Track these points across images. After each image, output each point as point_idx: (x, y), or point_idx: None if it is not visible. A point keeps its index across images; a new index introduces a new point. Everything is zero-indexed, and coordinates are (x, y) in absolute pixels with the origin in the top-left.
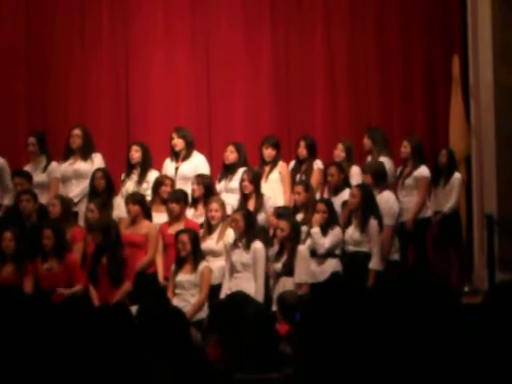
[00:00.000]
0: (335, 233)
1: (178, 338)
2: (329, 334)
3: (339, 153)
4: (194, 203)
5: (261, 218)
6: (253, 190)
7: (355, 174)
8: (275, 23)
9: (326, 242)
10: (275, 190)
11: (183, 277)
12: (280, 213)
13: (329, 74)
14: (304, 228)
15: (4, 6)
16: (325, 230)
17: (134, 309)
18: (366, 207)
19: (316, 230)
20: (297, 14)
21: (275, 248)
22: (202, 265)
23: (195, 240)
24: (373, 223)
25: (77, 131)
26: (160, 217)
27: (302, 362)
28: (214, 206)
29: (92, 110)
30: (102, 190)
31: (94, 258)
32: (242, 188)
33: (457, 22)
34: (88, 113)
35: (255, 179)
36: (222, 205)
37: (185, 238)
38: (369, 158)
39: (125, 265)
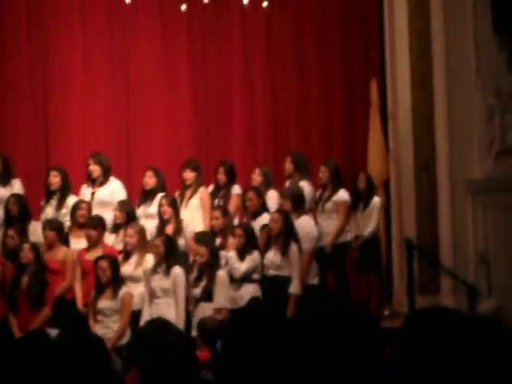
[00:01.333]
0: (253, 257)
1: (98, 366)
2: (250, 361)
3: (257, 177)
4: (116, 229)
5: (180, 243)
6: (172, 215)
7: (272, 199)
8: (192, 49)
9: (242, 267)
10: (195, 215)
11: (104, 303)
12: (199, 238)
13: (247, 98)
14: (222, 253)
15: None
16: (242, 255)
17: (53, 332)
18: (286, 232)
19: (232, 255)
20: (214, 46)
21: (194, 273)
22: (123, 290)
23: (115, 266)
24: (293, 248)
25: None
26: (79, 242)
27: None
28: (130, 231)
29: (10, 135)
30: (17, 216)
31: (13, 281)
32: (160, 213)
33: (375, 46)
34: (6, 138)
35: (174, 204)
36: (140, 230)
37: (104, 264)
38: (287, 183)
39: (46, 288)
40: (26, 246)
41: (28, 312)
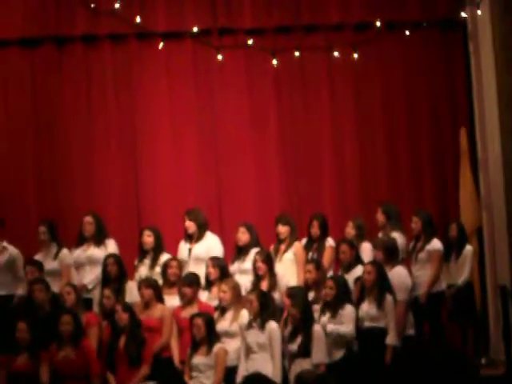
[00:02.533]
0: (349, 315)
1: None
2: None
3: (350, 230)
4: (209, 285)
5: (276, 297)
6: (266, 271)
7: (366, 250)
8: (281, 107)
9: (348, 329)
10: (289, 269)
11: (199, 359)
12: (292, 293)
13: (336, 152)
14: (316, 307)
15: (12, 99)
16: (334, 308)
17: None
18: (381, 283)
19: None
20: (301, 103)
21: (289, 328)
22: (217, 346)
23: (210, 323)
24: (388, 299)
25: (88, 218)
26: (171, 299)
27: None
28: (224, 287)
29: (101, 195)
30: (115, 276)
31: (111, 341)
32: (255, 269)
33: (462, 95)
34: (97, 199)
35: (268, 259)
36: (234, 286)
37: (199, 321)
38: (380, 234)
39: (144, 346)
40: (119, 308)
41: (126, 371)
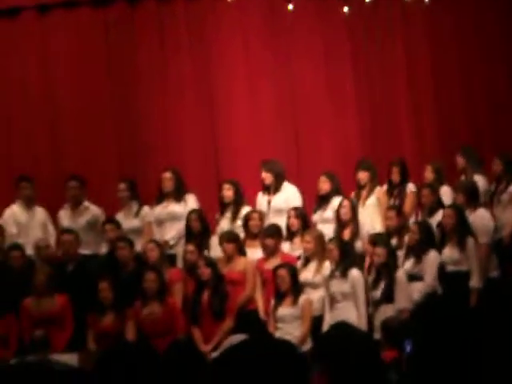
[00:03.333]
0: (431, 261)
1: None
2: (441, 358)
3: (428, 174)
4: (291, 236)
5: (358, 245)
6: (351, 218)
7: (446, 194)
8: (356, 54)
9: (428, 279)
10: (371, 215)
11: (284, 310)
12: (375, 239)
13: (413, 96)
14: (398, 253)
15: (86, 60)
16: (418, 253)
17: (238, 338)
18: (462, 227)
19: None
20: (376, 49)
21: (372, 275)
22: (302, 297)
23: (293, 274)
24: (470, 242)
25: (168, 174)
26: (254, 252)
27: None
28: (307, 237)
29: (179, 152)
30: (198, 231)
31: (194, 296)
32: (338, 217)
33: None
34: (175, 155)
35: (354, 207)
36: (318, 236)
37: (283, 272)
38: (462, 177)
39: (227, 300)
40: (202, 263)
41: (211, 325)
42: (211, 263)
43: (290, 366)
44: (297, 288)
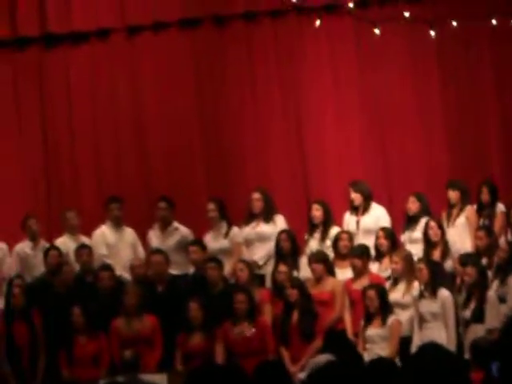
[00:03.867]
0: None
1: None
2: None
3: None
4: (380, 256)
5: (448, 265)
6: (440, 238)
7: None
8: (442, 71)
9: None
10: (461, 234)
11: (373, 331)
12: (465, 260)
13: (503, 115)
14: (488, 273)
15: (175, 81)
16: (504, 273)
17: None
18: None
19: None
20: (465, 69)
21: (463, 294)
22: (391, 318)
23: (382, 295)
24: None
25: (257, 195)
26: (343, 272)
27: None
28: (395, 258)
29: (268, 172)
30: (288, 252)
31: (283, 316)
32: (425, 237)
33: None
34: (264, 175)
35: (441, 227)
36: (406, 256)
37: (372, 293)
38: None
39: (317, 320)
40: (288, 284)
41: (300, 345)
42: (298, 284)
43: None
44: (386, 309)
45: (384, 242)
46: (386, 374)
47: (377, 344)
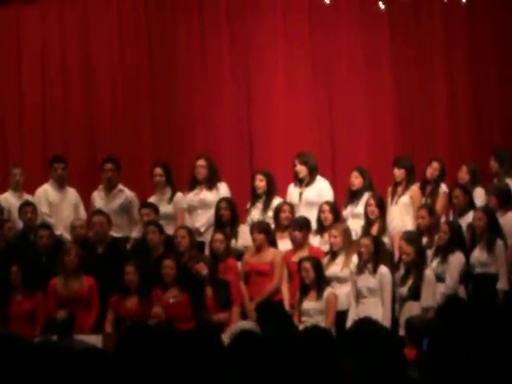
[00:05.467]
0: (455, 263)
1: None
2: (459, 358)
3: (463, 175)
4: (321, 230)
5: (385, 241)
6: (378, 215)
7: (479, 196)
8: (394, 46)
9: (449, 281)
10: (402, 212)
11: (308, 304)
12: (407, 237)
13: (450, 95)
14: (428, 252)
15: (127, 39)
16: (445, 253)
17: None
18: (491, 229)
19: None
20: (415, 42)
21: (401, 272)
22: (327, 291)
23: (318, 267)
24: (499, 244)
25: (201, 162)
26: (283, 243)
27: None
28: (333, 232)
29: (215, 140)
30: (227, 220)
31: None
32: (367, 213)
33: None
34: (210, 143)
35: (381, 203)
36: (345, 231)
37: (308, 265)
38: (495, 181)
39: (230, 289)
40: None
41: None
42: (205, 258)
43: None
44: (321, 281)
45: (328, 216)
46: (319, 341)
47: (312, 317)
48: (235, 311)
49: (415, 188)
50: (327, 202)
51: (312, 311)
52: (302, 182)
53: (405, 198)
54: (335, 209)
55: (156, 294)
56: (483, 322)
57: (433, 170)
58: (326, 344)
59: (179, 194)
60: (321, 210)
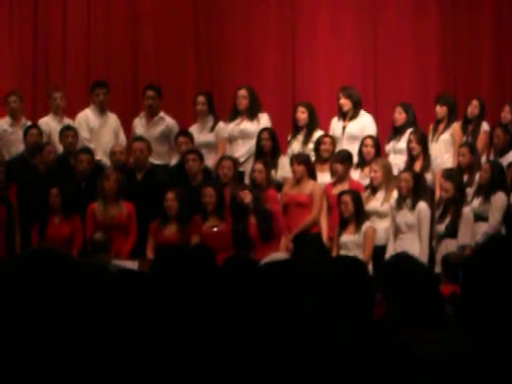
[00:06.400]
0: (498, 202)
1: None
2: (492, 295)
3: (506, 115)
4: (362, 164)
5: (428, 178)
6: (420, 151)
7: None
8: None
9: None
10: (442, 150)
11: (347, 237)
12: (447, 174)
13: (497, 34)
14: (468, 190)
15: None
16: (487, 192)
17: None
18: None
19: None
20: None
21: (440, 209)
22: (366, 225)
23: (358, 200)
24: None
25: (243, 92)
26: (323, 176)
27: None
28: (374, 167)
29: (258, 71)
30: (268, 150)
31: (237, 221)
32: (409, 149)
33: None
34: (254, 73)
35: (423, 140)
36: (386, 166)
37: (347, 198)
38: None
39: (275, 221)
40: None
41: (261, 247)
42: (251, 187)
43: (357, 281)
44: (361, 215)
45: (371, 151)
46: (351, 269)
47: (351, 250)
48: (282, 242)
49: (456, 126)
50: (370, 136)
51: (350, 244)
52: (345, 116)
53: (445, 136)
54: (377, 143)
55: (195, 222)
56: None
57: (473, 108)
58: (357, 272)
59: (221, 124)
60: (363, 144)
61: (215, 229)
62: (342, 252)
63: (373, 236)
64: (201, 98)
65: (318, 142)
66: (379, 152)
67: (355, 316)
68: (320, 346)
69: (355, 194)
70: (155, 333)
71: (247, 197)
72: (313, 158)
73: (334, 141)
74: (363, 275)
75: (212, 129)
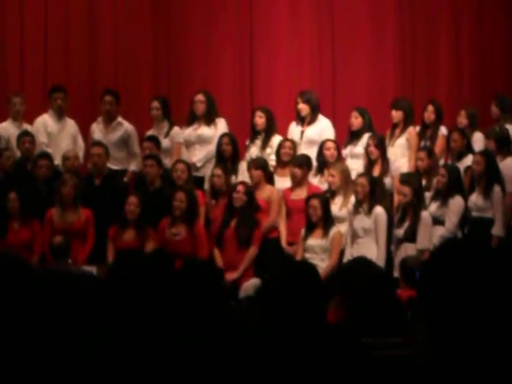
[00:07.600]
0: (455, 206)
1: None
2: (449, 296)
3: (462, 119)
4: (321, 169)
5: (386, 182)
6: (379, 155)
7: (478, 141)
8: None
9: (449, 224)
10: (399, 155)
11: (314, 241)
12: (404, 179)
13: (454, 39)
14: (426, 194)
15: None
16: (444, 196)
17: None
18: (490, 174)
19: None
20: None
21: (398, 213)
22: (333, 230)
23: (326, 205)
24: (496, 190)
25: (200, 97)
26: (284, 181)
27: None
28: (332, 171)
29: (216, 75)
30: (229, 156)
31: (223, 220)
32: (367, 153)
33: None
34: (212, 78)
35: (381, 144)
36: (344, 170)
37: (316, 202)
38: (496, 127)
39: (256, 228)
40: (241, 189)
41: (235, 251)
42: (249, 191)
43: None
44: (328, 219)
45: (334, 153)
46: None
47: (317, 254)
48: (252, 252)
49: (412, 130)
50: (332, 140)
51: (317, 248)
52: (303, 121)
53: (401, 140)
54: (338, 148)
55: (151, 230)
56: (477, 264)
57: (429, 113)
58: (309, 277)
59: (176, 129)
60: (325, 148)
61: (178, 237)
62: (308, 256)
63: (340, 241)
64: (155, 103)
65: (279, 146)
66: (339, 156)
67: (306, 320)
68: (270, 350)
69: (324, 199)
70: (111, 338)
71: (239, 200)
72: (271, 163)
73: (294, 145)
74: (314, 279)
75: (167, 134)
